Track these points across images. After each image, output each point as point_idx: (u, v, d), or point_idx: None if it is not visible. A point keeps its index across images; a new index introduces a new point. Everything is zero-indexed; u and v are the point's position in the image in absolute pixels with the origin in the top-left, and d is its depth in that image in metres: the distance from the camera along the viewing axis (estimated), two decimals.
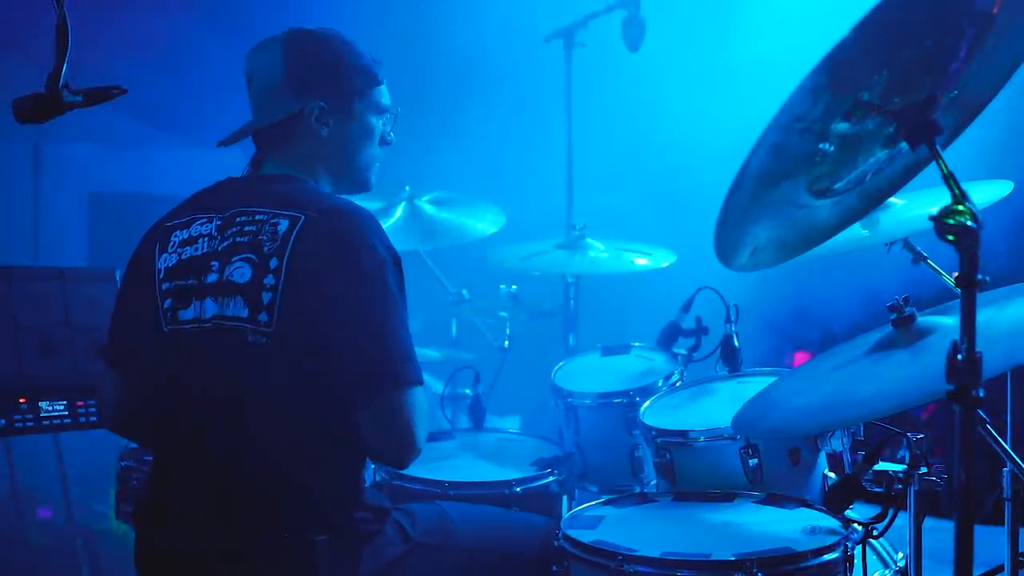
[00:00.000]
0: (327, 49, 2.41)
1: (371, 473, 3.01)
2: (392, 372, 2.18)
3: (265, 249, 2.21)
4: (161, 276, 2.31)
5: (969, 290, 1.63)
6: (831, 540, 2.17)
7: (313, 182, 2.40)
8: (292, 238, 2.20)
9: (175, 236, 2.33)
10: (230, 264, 2.23)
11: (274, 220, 2.23)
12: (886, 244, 2.87)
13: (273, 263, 2.19)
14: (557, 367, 3.50)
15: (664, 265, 3.94)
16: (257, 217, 2.26)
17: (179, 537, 2.25)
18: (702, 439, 2.64)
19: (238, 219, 2.28)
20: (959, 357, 1.61)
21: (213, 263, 2.25)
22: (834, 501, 2.27)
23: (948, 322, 2.19)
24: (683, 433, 2.68)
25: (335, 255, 2.19)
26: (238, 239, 2.25)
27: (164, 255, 2.32)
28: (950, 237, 1.63)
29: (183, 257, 2.29)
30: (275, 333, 2.16)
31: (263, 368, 2.18)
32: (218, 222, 2.30)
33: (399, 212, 4.36)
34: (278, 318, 2.16)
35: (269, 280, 2.18)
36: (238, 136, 2.44)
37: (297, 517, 2.19)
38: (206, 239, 2.29)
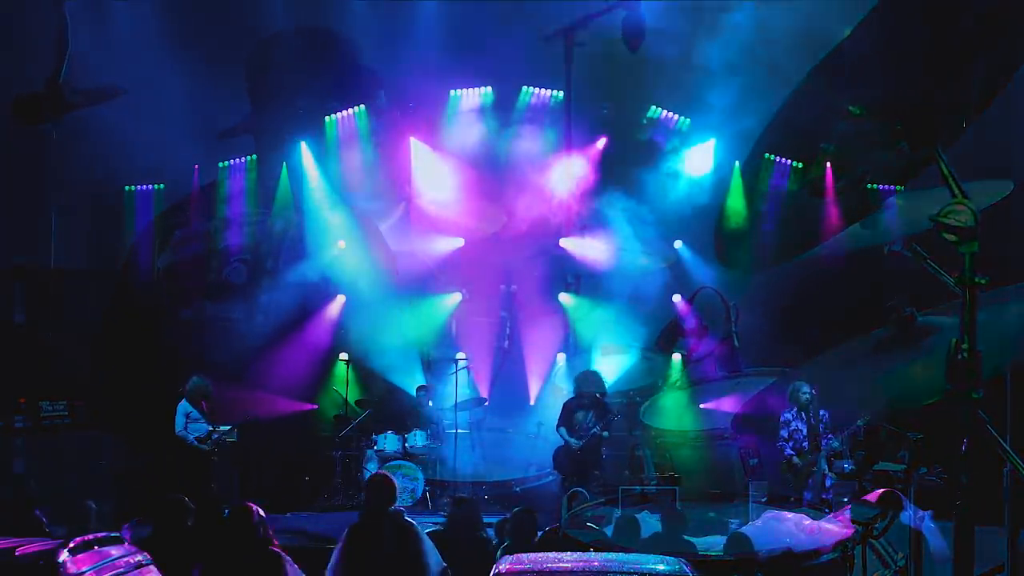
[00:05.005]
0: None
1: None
2: None
3: (261, 250, 2.23)
4: (160, 274, 2.32)
5: (970, 290, 1.62)
6: (831, 540, 2.17)
7: None
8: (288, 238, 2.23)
9: (176, 235, 2.34)
10: (227, 265, 2.25)
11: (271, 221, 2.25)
12: (886, 244, 2.86)
13: (268, 264, 2.21)
14: (557, 367, 3.50)
15: (664, 265, 3.94)
16: (260, 218, 2.28)
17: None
18: (702, 439, 2.65)
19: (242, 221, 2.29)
20: (959, 357, 1.61)
21: (212, 263, 2.27)
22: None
23: (948, 322, 2.19)
24: (683, 433, 2.69)
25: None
26: (239, 239, 2.27)
27: (163, 254, 2.33)
28: (951, 237, 1.63)
29: (184, 256, 2.31)
30: (270, 333, 2.19)
31: (260, 363, 2.20)
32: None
33: (399, 212, 4.36)
34: (274, 317, 2.19)
35: (265, 281, 2.20)
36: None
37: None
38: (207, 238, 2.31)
